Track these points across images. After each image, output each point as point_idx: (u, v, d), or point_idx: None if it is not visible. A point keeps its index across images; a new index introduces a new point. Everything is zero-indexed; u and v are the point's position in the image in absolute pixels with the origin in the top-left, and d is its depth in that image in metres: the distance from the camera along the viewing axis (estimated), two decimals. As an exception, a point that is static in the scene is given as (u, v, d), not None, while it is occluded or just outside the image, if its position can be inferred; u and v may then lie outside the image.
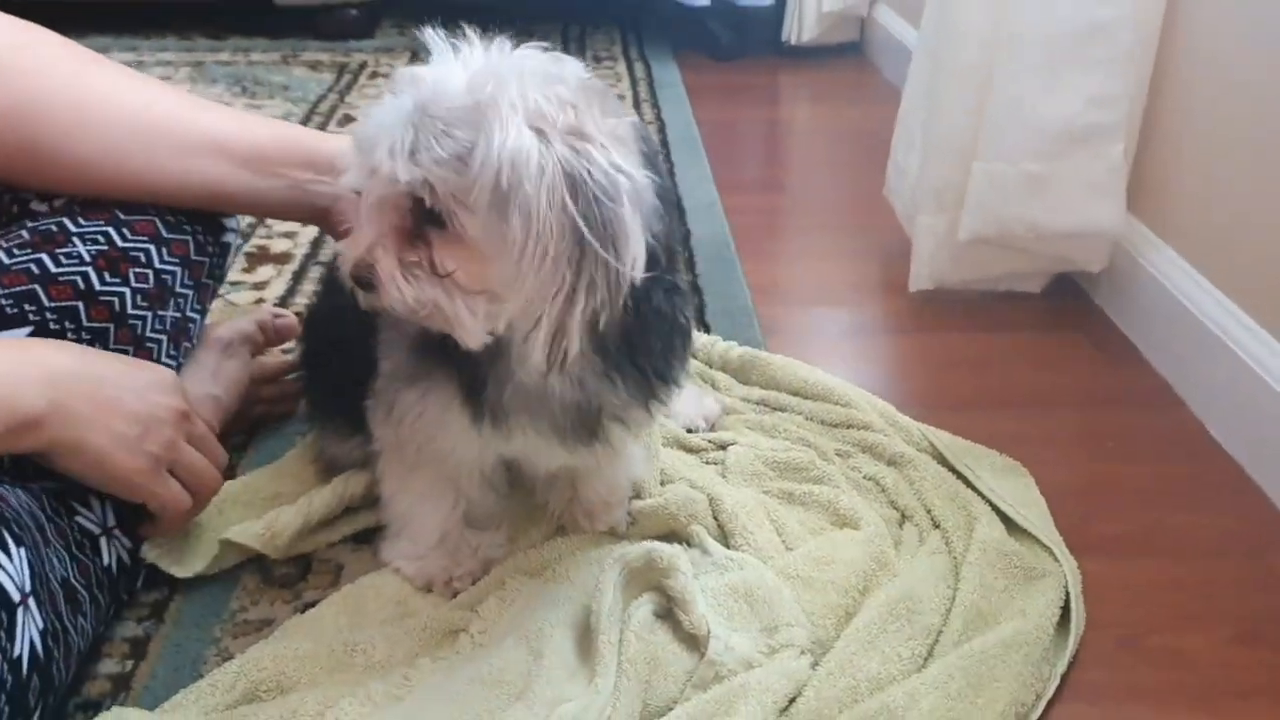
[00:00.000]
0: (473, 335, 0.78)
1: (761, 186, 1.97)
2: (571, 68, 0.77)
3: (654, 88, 2.40)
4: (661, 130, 2.13)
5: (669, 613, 0.91)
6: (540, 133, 0.72)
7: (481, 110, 0.72)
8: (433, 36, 0.77)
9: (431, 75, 0.75)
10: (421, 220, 0.76)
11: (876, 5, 2.62)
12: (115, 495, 0.89)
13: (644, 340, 0.83)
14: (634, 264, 0.73)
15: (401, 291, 0.77)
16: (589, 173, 0.72)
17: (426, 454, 0.91)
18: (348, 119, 2.15)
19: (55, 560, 0.84)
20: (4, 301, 0.92)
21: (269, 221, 1.68)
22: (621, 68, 2.54)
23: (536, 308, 0.75)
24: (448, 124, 0.73)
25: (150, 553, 0.95)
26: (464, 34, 0.77)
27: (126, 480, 0.87)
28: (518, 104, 0.73)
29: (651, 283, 0.78)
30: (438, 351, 0.85)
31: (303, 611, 0.93)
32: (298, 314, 1.27)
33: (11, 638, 0.76)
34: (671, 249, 0.82)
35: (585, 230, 0.72)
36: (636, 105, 2.28)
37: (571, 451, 0.88)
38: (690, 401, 1.16)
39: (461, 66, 0.75)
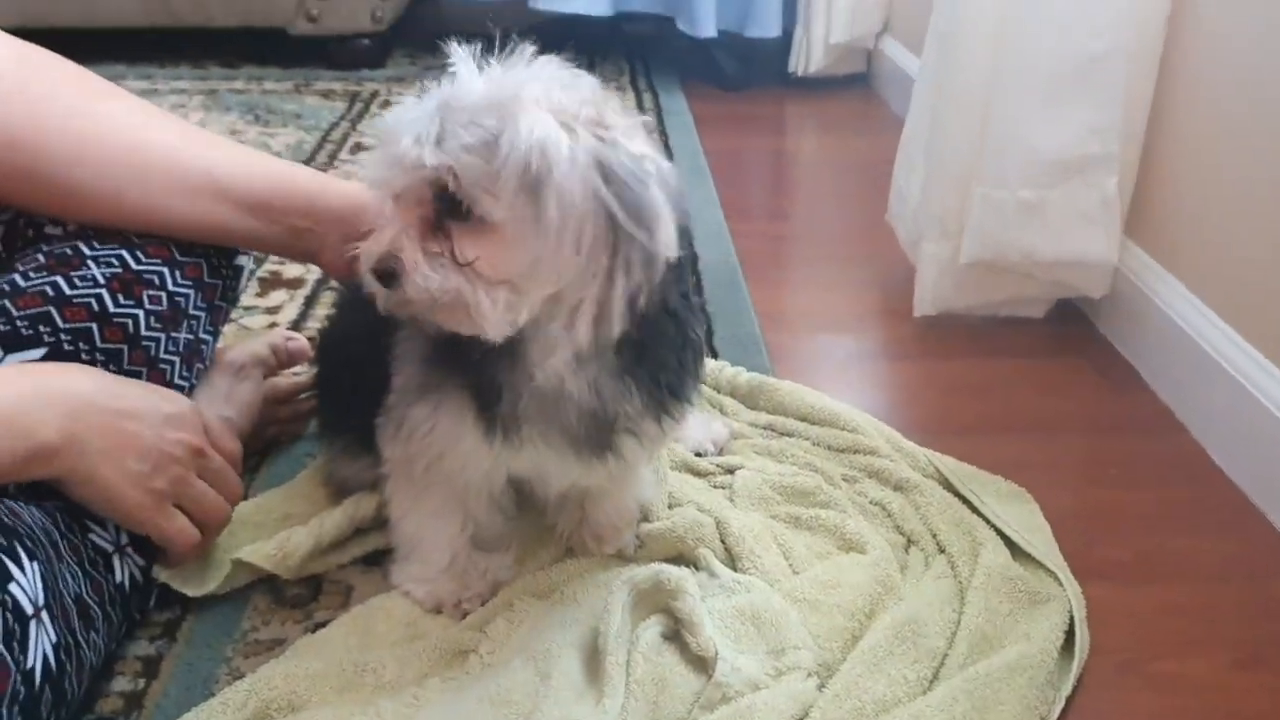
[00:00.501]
0: (494, 326, 0.78)
1: (768, 215, 1.99)
2: (586, 78, 0.80)
3: (662, 117, 2.42)
4: (670, 159, 2.14)
5: (676, 634, 0.91)
6: (565, 124, 0.75)
7: (506, 102, 0.75)
8: (455, 48, 0.79)
9: (455, 78, 0.77)
10: (443, 212, 0.77)
11: (883, 37, 2.64)
12: (121, 525, 0.91)
13: (657, 350, 0.85)
14: (667, 244, 0.76)
15: (426, 280, 0.77)
16: (617, 158, 0.75)
17: (435, 473, 0.92)
18: (359, 147, 2.17)
19: (68, 576, 0.85)
20: (19, 323, 0.94)
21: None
22: (630, 97, 2.57)
23: (573, 292, 0.77)
24: (473, 114, 0.75)
25: (162, 573, 0.96)
26: (484, 47, 0.79)
27: (130, 514, 0.89)
28: (541, 99, 0.75)
29: (669, 283, 0.80)
30: (450, 365, 0.86)
31: (313, 632, 0.94)
32: (310, 338, 1.28)
33: (25, 650, 0.77)
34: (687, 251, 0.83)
35: (620, 213, 0.74)
36: (644, 134, 2.30)
37: (584, 465, 0.89)
38: (698, 426, 1.18)
39: (483, 71, 0.78)
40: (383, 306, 0.82)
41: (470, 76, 0.77)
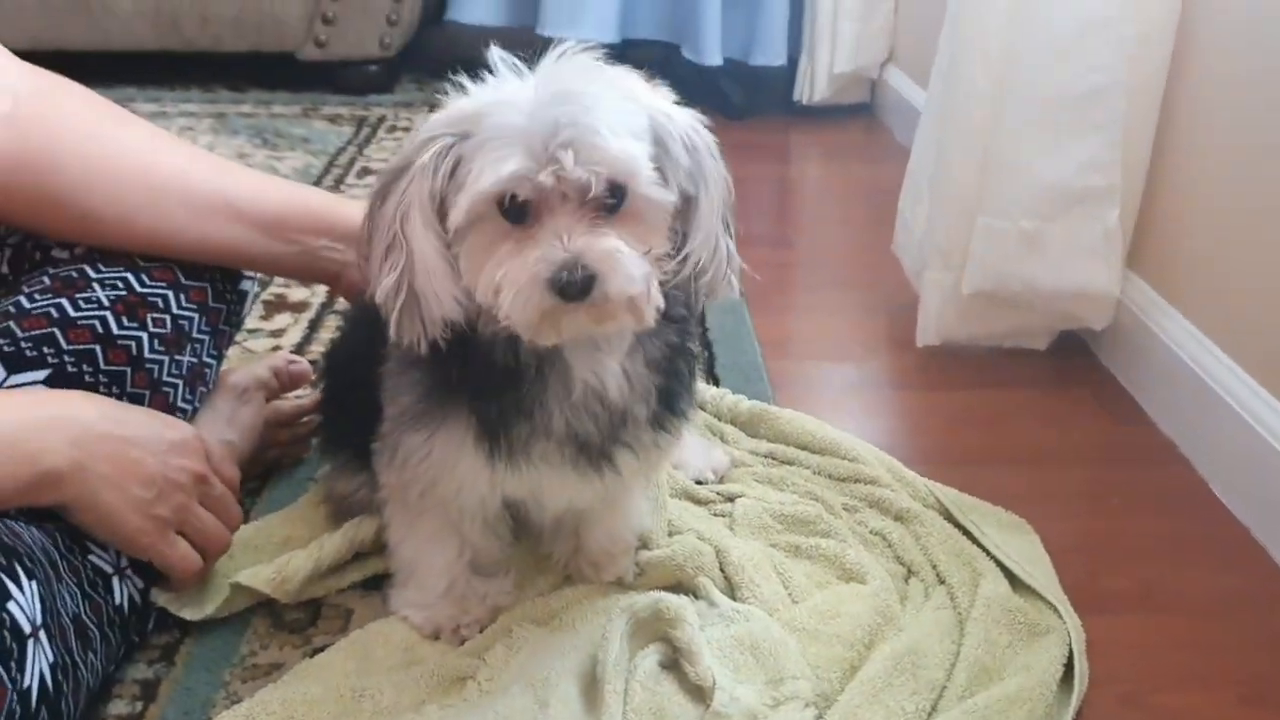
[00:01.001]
0: (653, 315, 0.79)
1: (772, 242, 1.99)
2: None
3: (667, 144, 2.42)
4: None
5: (675, 663, 0.91)
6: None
7: (628, 92, 0.79)
8: (494, 53, 0.79)
9: (530, 78, 0.78)
10: (600, 207, 0.76)
11: (887, 67, 2.66)
12: (123, 551, 0.91)
13: (681, 348, 0.88)
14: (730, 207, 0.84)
15: (630, 277, 0.75)
16: (704, 134, 0.83)
17: (430, 499, 0.92)
18: (366, 171, 2.18)
19: (67, 596, 0.85)
20: (24, 344, 0.94)
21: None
22: (635, 124, 2.57)
23: (698, 258, 0.82)
24: (610, 106, 0.76)
25: (160, 596, 0.96)
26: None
27: (133, 541, 0.90)
28: (637, 85, 0.80)
29: (669, 292, 0.81)
30: (453, 391, 0.86)
31: (312, 656, 0.94)
32: (313, 361, 1.29)
33: (22, 669, 0.77)
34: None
35: (730, 183, 0.84)
36: (649, 161, 2.31)
37: (582, 481, 0.88)
38: (699, 453, 1.18)
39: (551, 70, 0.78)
40: (569, 328, 0.77)
41: (553, 72, 0.78)
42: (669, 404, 0.88)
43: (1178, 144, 1.40)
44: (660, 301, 0.78)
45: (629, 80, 0.80)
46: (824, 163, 2.52)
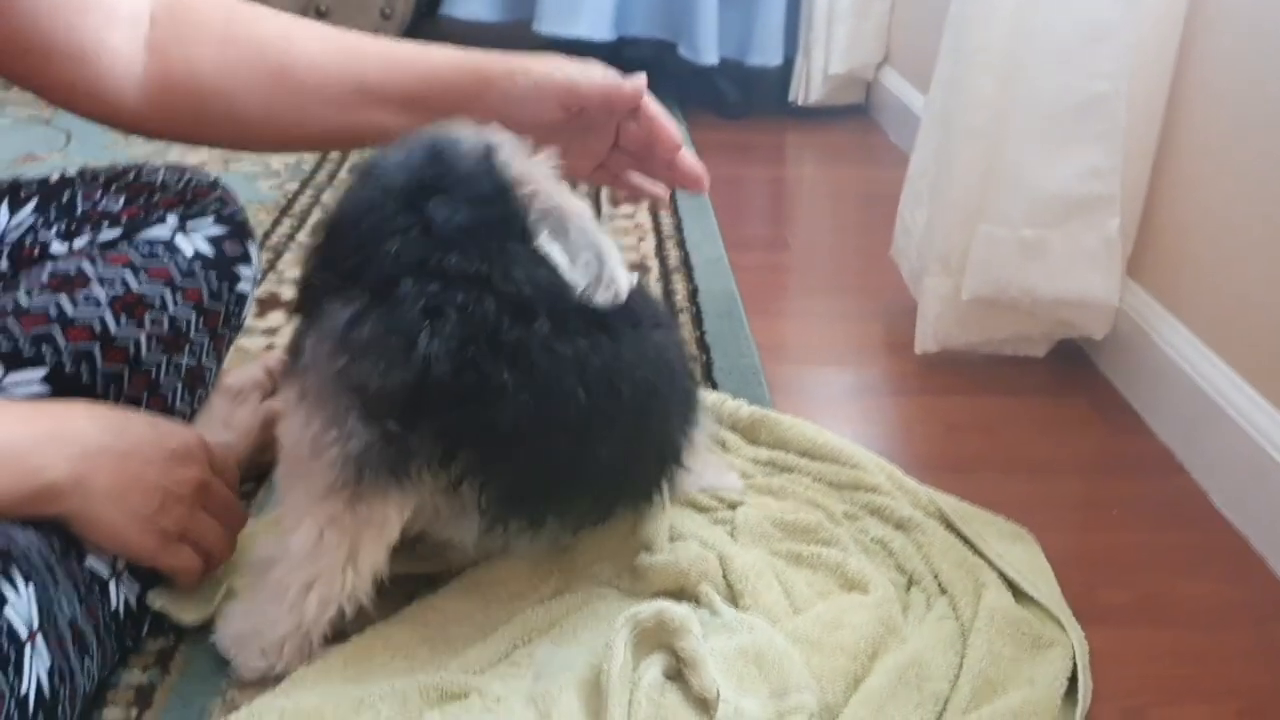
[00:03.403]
0: None
1: (768, 244, 1.99)
2: None
3: (662, 143, 2.42)
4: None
5: (679, 674, 0.90)
6: None
7: None
8: None
9: None
10: None
11: (883, 69, 2.66)
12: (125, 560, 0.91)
13: None
14: None
15: None
16: None
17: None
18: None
19: (64, 600, 0.84)
20: (21, 342, 0.93)
21: (279, 267, 1.69)
22: (630, 123, 2.57)
23: None
24: None
25: (157, 600, 0.95)
26: None
27: (137, 554, 0.89)
28: None
29: None
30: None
31: (310, 663, 0.93)
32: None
33: (19, 674, 0.76)
34: None
35: None
36: (645, 160, 2.30)
37: None
38: (712, 472, 1.17)
39: None
40: None
41: None
42: None
43: (1179, 153, 1.40)
44: None
45: None
46: (819, 164, 2.52)
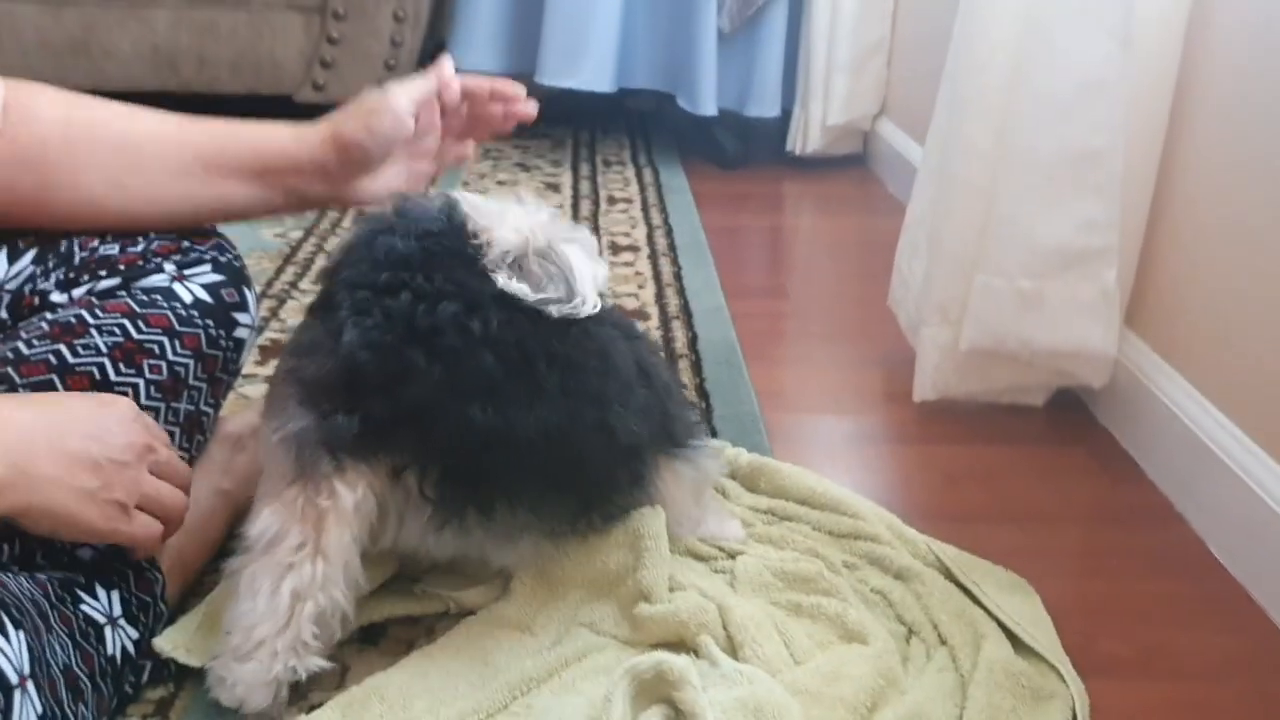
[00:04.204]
0: None
1: (767, 292, 2.00)
2: None
3: (662, 193, 2.44)
4: (669, 235, 2.17)
5: (678, 725, 0.90)
6: None
7: None
8: None
9: None
10: None
11: (880, 119, 2.69)
12: (86, 541, 0.90)
13: None
14: None
15: None
16: None
17: None
18: (363, 213, 2.17)
19: (57, 646, 0.84)
20: (23, 391, 0.94)
21: (281, 314, 1.70)
22: (630, 173, 2.59)
23: None
24: None
25: (164, 645, 0.95)
26: None
27: (94, 532, 0.88)
28: None
29: None
30: None
31: (307, 713, 0.92)
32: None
33: None
34: None
35: None
36: (645, 210, 2.33)
37: None
38: (714, 521, 1.17)
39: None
40: None
41: None
42: None
43: (1175, 204, 1.41)
44: None
45: None
46: (817, 213, 2.54)
